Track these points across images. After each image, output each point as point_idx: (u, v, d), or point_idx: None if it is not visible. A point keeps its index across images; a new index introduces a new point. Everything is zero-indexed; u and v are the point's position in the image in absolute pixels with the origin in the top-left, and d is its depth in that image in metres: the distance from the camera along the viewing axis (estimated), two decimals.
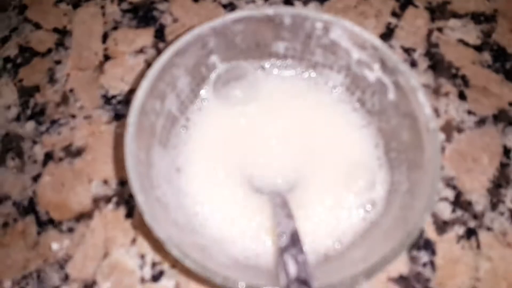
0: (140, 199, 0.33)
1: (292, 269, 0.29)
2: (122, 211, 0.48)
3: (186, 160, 0.44)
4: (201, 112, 0.46)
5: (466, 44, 0.57)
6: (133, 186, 0.34)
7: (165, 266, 0.45)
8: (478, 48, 0.56)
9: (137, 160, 0.36)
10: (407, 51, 0.56)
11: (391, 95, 0.41)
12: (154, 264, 0.45)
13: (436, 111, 0.52)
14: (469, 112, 0.52)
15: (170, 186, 0.41)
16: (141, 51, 0.57)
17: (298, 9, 0.41)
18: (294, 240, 0.32)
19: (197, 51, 0.42)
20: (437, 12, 0.59)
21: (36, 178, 0.50)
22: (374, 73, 0.41)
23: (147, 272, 0.45)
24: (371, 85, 0.43)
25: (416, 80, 0.37)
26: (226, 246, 0.40)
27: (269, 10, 0.41)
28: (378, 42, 0.39)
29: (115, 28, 0.59)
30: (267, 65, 0.48)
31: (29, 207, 0.49)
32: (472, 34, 0.57)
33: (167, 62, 0.39)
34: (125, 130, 0.36)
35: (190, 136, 0.45)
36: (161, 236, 0.32)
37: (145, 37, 0.58)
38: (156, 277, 0.44)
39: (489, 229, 0.46)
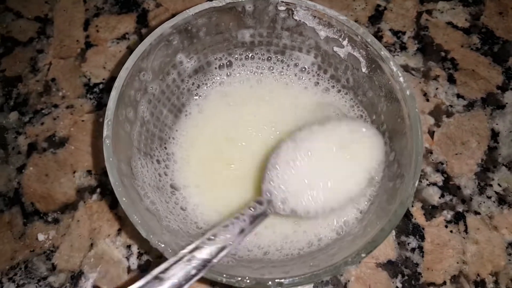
0: (131, 213, 0.33)
1: (176, 272, 0.29)
2: (106, 201, 0.47)
3: (175, 175, 0.42)
4: (180, 116, 0.45)
5: (455, 26, 0.56)
6: (120, 200, 0.33)
7: (152, 256, 0.44)
8: (467, 31, 0.55)
9: (120, 172, 0.34)
10: (397, 34, 0.55)
11: (364, 68, 0.40)
12: (140, 254, 0.45)
13: (426, 95, 0.52)
14: (458, 96, 0.52)
15: (159, 194, 0.40)
16: (123, 37, 0.56)
17: None
18: (211, 255, 0.31)
19: (162, 51, 0.40)
20: None
21: (20, 169, 0.49)
22: (344, 49, 0.41)
23: (134, 262, 0.44)
24: (343, 61, 0.42)
25: (386, 50, 0.37)
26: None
27: None
28: (343, 18, 0.38)
29: (96, 15, 0.58)
30: (234, 57, 0.46)
31: (14, 198, 0.48)
32: (461, 17, 0.56)
33: (133, 68, 0.37)
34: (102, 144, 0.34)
35: (171, 143, 0.44)
36: (159, 247, 0.32)
37: (128, 23, 0.57)
38: (143, 267, 0.44)
39: (476, 213, 0.46)
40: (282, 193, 0.36)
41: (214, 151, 0.44)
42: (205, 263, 0.30)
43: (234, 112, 0.46)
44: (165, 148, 0.44)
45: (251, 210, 0.34)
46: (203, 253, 0.30)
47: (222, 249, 0.31)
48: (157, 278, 0.28)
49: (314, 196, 0.36)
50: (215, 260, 0.30)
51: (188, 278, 0.28)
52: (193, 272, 0.29)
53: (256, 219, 0.34)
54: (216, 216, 0.41)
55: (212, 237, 0.31)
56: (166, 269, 0.28)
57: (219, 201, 0.41)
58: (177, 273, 0.28)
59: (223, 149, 0.44)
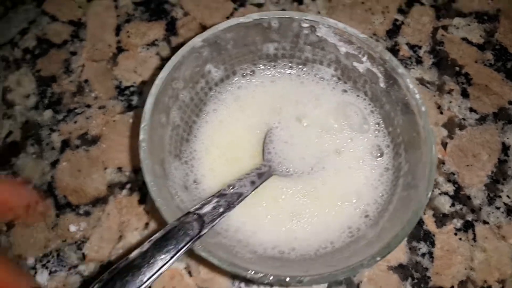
0: (164, 211, 0.35)
1: (207, 209, 0.35)
2: (135, 197, 0.50)
3: (200, 172, 0.45)
4: (206, 122, 0.48)
5: (469, 42, 0.58)
6: (155, 199, 0.36)
7: None
8: (481, 47, 0.58)
9: (154, 173, 0.37)
10: (413, 48, 0.58)
11: (382, 83, 0.43)
12: None
13: (440, 108, 0.54)
14: (471, 110, 0.54)
15: (187, 193, 0.43)
16: (153, 43, 0.59)
17: (284, 12, 0.43)
18: (232, 199, 0.37)
19: (193, 62, 0.43)
20: (442, 10, 0.60)
21: (54, 164, 0.53)
22: (363, 65, 0.43)
23: None
24: (362, 75, 0.45)
25: (403, 68, 0.40)
26: (249, 242, 0.42)
27: (256, 16, 0.42)
28: (363, 36, 0.41)
29: (127, 21, 0.61)
30: (258, 67, 0.49)
31: (48, 191, 0.51)
32: (476, 33, 0.59)
33: (167, 77, 0.40)
34: (138, 147, 0.37)
35: (198, 146, 0.47)
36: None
37: (157, 30, 0.60)
38: None
39: (485, 222, 0.48)
40: (278, 158, 0.45)
41: (231, 140, 0.47)
42: (229, 205, 0.36)
43: (244, 110, 0.49)
44: (191, 147, 0.47)
45: (257, 169, 0.42)
46: (226, 197, 0.37)
47: (240, 195, 0.38)
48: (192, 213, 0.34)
49: (303, 158, 0.45)
50: (236, 203, 0.37)
51: (215, 215, 0.35)
52: (221, 210, 0.35)
53: (262, 175, 0.41)
54: None
55: (231, 186, 0.38)
56: (199, 208, 0.35)
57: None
58: (205, 209, 0.35)
59: (238, 139, 0.47)
